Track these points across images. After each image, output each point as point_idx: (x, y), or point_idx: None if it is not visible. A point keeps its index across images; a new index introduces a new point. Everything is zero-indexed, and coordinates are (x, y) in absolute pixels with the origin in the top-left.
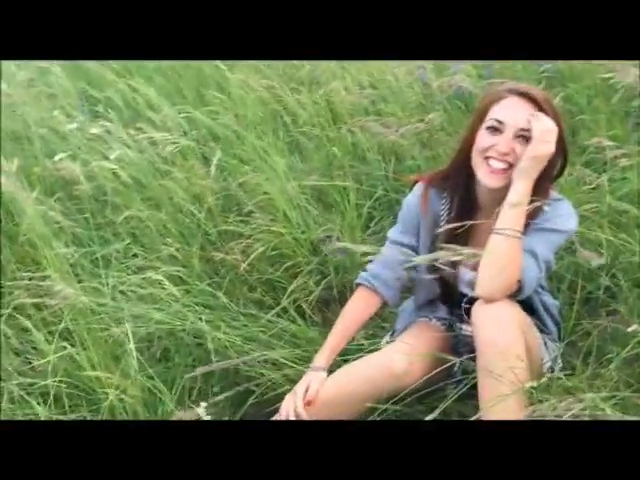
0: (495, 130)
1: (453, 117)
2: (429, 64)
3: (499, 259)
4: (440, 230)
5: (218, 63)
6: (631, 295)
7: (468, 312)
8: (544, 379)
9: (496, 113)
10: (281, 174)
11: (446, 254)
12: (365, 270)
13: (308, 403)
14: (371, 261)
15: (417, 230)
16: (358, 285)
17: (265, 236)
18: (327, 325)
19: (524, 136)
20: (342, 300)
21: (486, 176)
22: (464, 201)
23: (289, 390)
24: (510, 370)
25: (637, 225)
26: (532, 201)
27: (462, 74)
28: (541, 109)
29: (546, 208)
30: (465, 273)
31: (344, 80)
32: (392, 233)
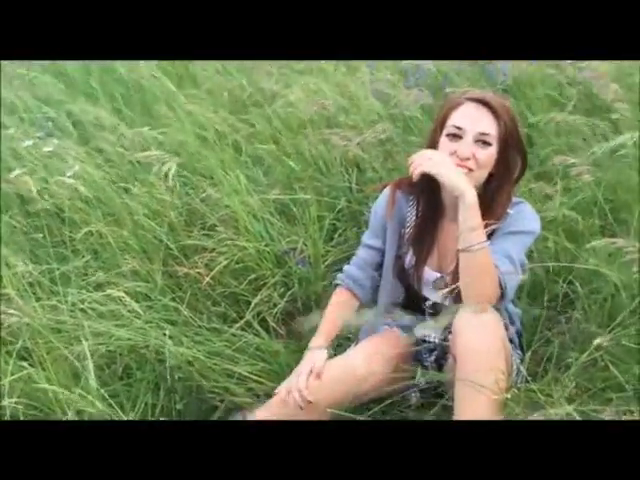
0: (455, 136)
1: (412, 127)
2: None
3: (478, 273)
4: (406, 232)
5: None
6: (587, 301)
7: (430, 317)
8: (515, 390)
9: (454, 120)
10: (242, 188)
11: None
12: (343, 271)
13: (318, 376)
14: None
15: (384, 232)
16: (336, 285)
17: (229, 249)
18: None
19: (484, 140)
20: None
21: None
22: (430, 204)
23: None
24: (492, 380)
25: (591, 233)
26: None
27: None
28: (496, 114)
29: (510, 211)
30: (429, 274)
31: (304, 93)
32: (364, 236)
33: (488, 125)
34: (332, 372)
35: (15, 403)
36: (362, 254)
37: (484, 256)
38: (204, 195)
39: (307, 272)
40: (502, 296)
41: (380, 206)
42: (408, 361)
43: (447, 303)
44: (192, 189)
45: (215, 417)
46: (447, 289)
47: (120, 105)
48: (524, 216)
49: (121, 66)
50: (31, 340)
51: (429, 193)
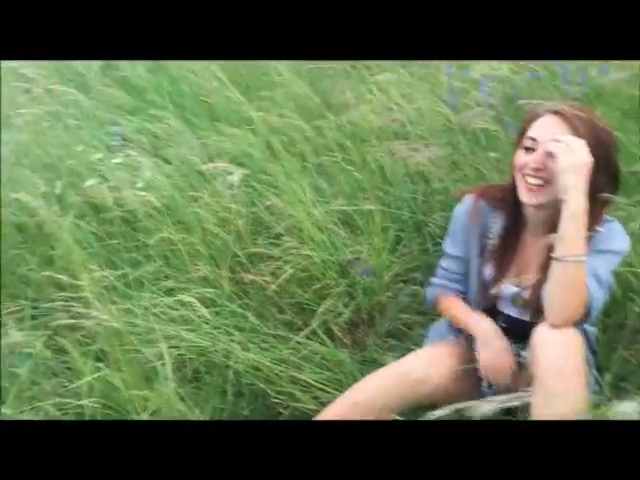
0: (529, 149)
1: (482, 139)
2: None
3: (567, 287)
4: (488, 243)
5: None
6: None
7: (504, 333)
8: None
9: (531, 131)
10: (307, 198)
11: None
12: (432, 285)
13: None
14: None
15: (466, 241)
16: (437, 297)
17: (294, 258)
18: (356, 347)
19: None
20: (370, 322)
21: (523, 192)
22: (514, 217)
23: (318, 412)
24: (572, 402)
25: None
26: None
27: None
28: (574, 127)
29: (601, 229)
30: (508, 288)
31: (371, 104)
32: (445, 245)
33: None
34: (390, 375)
35: (93, 403)
36: (445, 264)
37: (578, 270)
38: (269, 204)
39: (371, 282)
40: (586, 315)
41: (462, 214)
42: (471, 376)
43: (525, 318)
44: (258, 198)
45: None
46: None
47: (188, 115)
48: (614, 234)
49: (189, 72)
50: (107, 342)
51: (514, 205)
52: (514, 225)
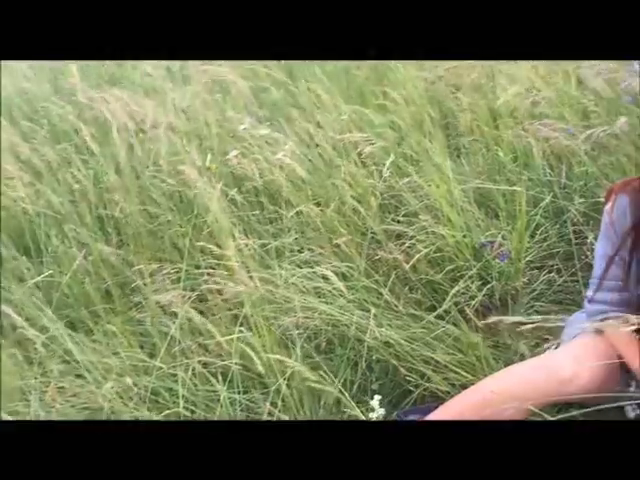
0: None
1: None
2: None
3: None
4: None
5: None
6: None
7: None
8: None
9: None
10: (446, 176)
11: None
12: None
13: None
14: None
15: (625, 242)
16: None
17: (427, 237)
18: (487, 332)
19: None
20: (504, 307)
21: None
22: None
23: (449, 394)
24: None
25: None
26: None
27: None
28: None
29: None
30: None
31: (508, 80)
32: (599, 249)
33: None
34: (536, 370)
35: (235, 363)
36: (600, 272)
37: None
38: (408, 180)
39: (506, 267)
40: None
41: (611, 213)
42: (618, 368)
43: None
44: (394, 174)
45: (409, 402)
46: None
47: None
48: None
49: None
50: (250, 309)
51: None
52: None
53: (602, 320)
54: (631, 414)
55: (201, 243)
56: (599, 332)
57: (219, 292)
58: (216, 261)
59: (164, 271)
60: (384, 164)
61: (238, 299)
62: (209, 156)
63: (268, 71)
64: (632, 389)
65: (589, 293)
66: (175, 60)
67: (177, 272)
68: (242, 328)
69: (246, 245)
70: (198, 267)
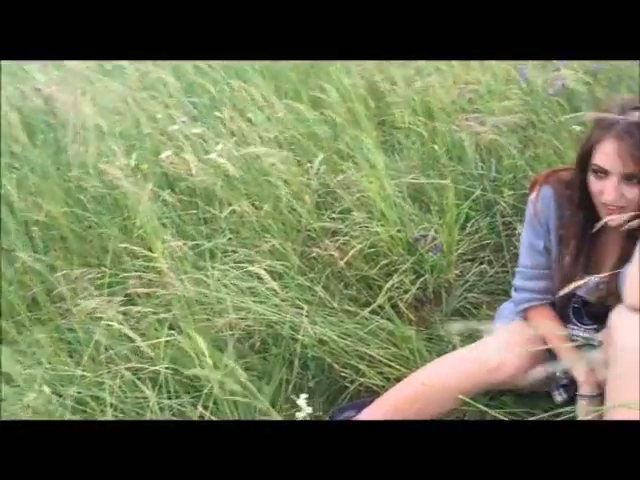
0: (600, 175)
1: (556, 116)
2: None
3: None
4: (563, 233)
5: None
6: None
7: (577, 313)
8: None
9: (597, 158)
10: (380, 171)
11: None
12: (517, 291)
13: None
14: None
15: (547, 230)
16: (525, 310)
17: (362, 234)
18: (421, 325)
19: (629, 180)
20: (437, 300)
21: (607, 218)
22: (587, 206)
23: (384, 388)
24: None
25: None
26: None
27: (567, 70)
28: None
29: None
30: (587, 279)
31: (441, 77)
32: (524, 237)
33: (634, 163)
34: (465, 360)
35: (166, 368)
36: (526, 261)
37: None
38: (342, 177)
39: (439, 259)
40: None
41: (535, 203)
42: (544, 354)
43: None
44: (329, 170)
45: (345, 398)
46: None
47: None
48: None
49: None
50: (180, 311)
51: (585, 193)
52: (589, 213)
53: (528, 308)
54: (558, 398)
55: (124, 245)
56: (525, 320)
57: (148, 295)
58: (145, 264)
59: (89, 276)
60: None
61: (167, 302)
62: (134, 156)
63: (203, 69)
64: (558, 374)
65: (515, 282)
66: (175, 60)
67: (103, 277)
68: (172, 332)
69: (179, 247)
70: (127, 271)
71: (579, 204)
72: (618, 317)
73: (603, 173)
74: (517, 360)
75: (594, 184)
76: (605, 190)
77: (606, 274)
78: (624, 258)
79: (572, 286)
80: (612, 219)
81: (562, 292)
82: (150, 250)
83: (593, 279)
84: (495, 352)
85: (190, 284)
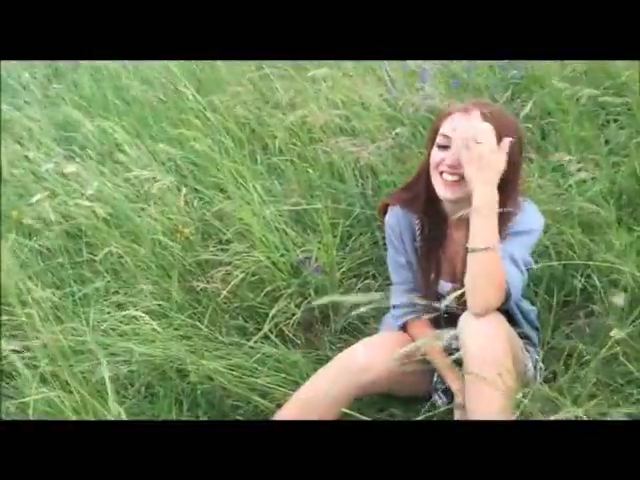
0: (443, 146)
1: (422, 131)
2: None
3: (483, 276)
4: (417, 244)
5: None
6: (606, 295)
7: (448, 323)
8: (528, 389)
9: (443, 129)
10: (256, 199)
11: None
12: (394, 308)
13: None
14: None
15: (403, 244)
16: (404, 325)
17: (244, 263)
18: (311, 347)
19: (470, 147)
20: (324, 320)
21: (442, 190)
22: (434, 215)
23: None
24: (496, 374)
25: (607, 224)
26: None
27: (431, 87)
28: (485, 120)
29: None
30: (443, 285)
31: (317, 101)
32: (390, 258)
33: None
34: (334, 366)
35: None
36: (396, 278)
37: (491, 260)
38: (218, 209)
39: (323, 280)
40: (507, 299)
41: (394, 223)
42: (420, 360)
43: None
44: (207, 203)
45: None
46: (454, 295)
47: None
48: (526, 214)
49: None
50: (54, 364)
51: (430, 206)
52: (436, 222)
53: (406, 322)
54: (439, 402)
55: None
56: (405, 332)
57: (17, 352)
58: (14, 317)
59: None
60: (197, 194)
61: (42, 356)
62: None
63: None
64: (435, 378)
65: (391, 300)
66: (175, 60)
67: None
68: (45, 388)
69: (52, 296)
70: None
71: (425, 207)
72: (464, 324)
73: (446, 143)
74: (386, 359)
75: (437, 155)
76: (446, 157)
77: (457, 284)
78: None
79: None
80: (457, 215)
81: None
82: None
83: (447, 285)
84: (360, 353)
85: (67, 334)
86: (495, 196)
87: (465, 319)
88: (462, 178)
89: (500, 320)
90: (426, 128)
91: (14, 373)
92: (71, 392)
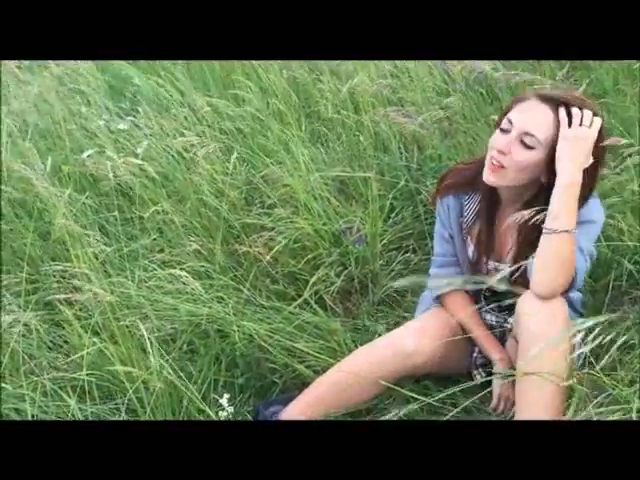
0: (505, 130)
1: (473, 103)
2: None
3: (557, 259)
4: (464, 222)
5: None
6: None
7: (488, 300)
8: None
9: (511, 113)
10: (303, 166)
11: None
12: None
13: None
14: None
15: (450, 222)
16: (440, 296)
17: (287, 229)
18: (348, 316)
19: (525, 142)
20: (363, 291)
21: (486, 172)
22: (487, 195)
23: (312, 381)
24: (554, 369)
25: None
26: None
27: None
28: (556, 111)
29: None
30: (490, 264)
31: (367, 70)
32: (436, 230)
33: (539, 127)
34: (381, 350)
35: (87, 376)
36: (438, 249)
37: (568, 243)
38: (264, 173)
39: (364, 251)
40: (571, 286)
41: (440, 194)
42: (460, 339)
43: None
44: (254, 167)
45: (274, 393)
46: (507, 271)
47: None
48: (591, 206)
49: None
50: (102, 316)
51: (485, 188)
52: (488, 203)
53: (443, 294)
54: (478, 377)
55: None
56: (442, 306)
57: (67, 301)
58: (66, 268)
59: (5, 282)
60: (244, 157)
61: (91, 308)
62: (49, 160)
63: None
64: (475, 354)
65: (430, 270)
66: (175, 60)
67: (30, 283)
68: (95, 339)
69: (102, 251)
70: (47, 276)
71: (482, 186)
72: (525, 303)
73: (508, 128)
74: (431, 343)
75: (495, 138)
76: (500, 141)
77: (513, 267)
78: (522, 243)
79: (480, 278)
80: (487, 174)
81: (471, 283)
82: (70, 254)
83: (495, 265)
84: (409, 337)
85: (114, 288)
86: (580, 179)
87: (526, 300)
88: (503, 167)
89: (563, 302)
90: (475, 102)
91: (62, 322)
92: (117, 343)
